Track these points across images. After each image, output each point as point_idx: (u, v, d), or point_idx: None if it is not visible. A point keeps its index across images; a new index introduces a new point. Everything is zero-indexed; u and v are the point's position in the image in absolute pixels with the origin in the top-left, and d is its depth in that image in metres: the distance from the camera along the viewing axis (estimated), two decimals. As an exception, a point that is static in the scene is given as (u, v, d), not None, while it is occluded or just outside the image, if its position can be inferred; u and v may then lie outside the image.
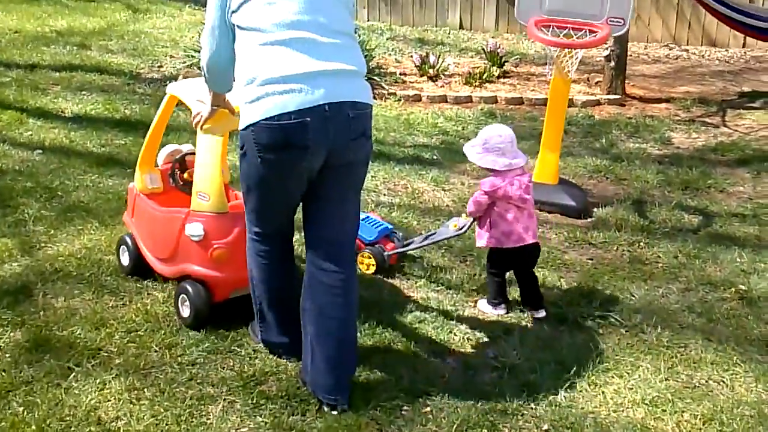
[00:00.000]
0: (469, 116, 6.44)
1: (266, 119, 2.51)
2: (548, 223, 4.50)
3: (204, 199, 3.09)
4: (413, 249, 3.82)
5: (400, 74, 7.33)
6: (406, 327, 3.30)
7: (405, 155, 5.52)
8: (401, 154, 5.53)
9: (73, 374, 2.83)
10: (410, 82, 7.21)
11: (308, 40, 2.57)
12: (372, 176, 5.01)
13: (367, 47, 7.25)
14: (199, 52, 6.07)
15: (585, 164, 5.46)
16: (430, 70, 7.27)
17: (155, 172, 3.56)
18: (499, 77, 7.37)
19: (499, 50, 7.54)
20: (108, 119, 5.83)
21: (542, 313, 3.45)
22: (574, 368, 3.05)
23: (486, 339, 3.26)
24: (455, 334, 3.27)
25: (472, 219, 3.51)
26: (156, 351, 3.00)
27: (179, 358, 2.96)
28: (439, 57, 7.46)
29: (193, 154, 3.34)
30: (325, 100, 2.52)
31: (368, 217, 3.95)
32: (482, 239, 3.46)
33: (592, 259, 4.08)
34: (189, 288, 3.11)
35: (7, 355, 2.92)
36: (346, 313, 2.75)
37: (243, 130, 2.63)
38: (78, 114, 5.88)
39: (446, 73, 7.36)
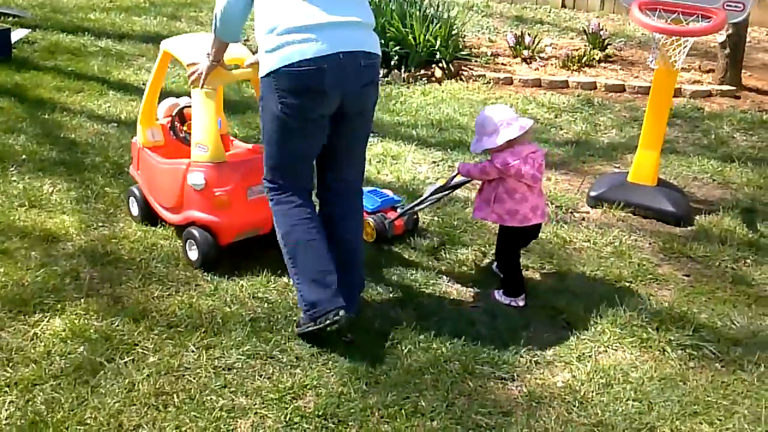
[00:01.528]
0: (564, 103, 5.96)
1: (286, 66, 2.69)
2: (642, 229, 4.03)
3: (203, 150, 3.26)
4: (408, 210, 3.67)
5: (492, 55, 6.89)
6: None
7: (488, 144, 5.13)
8: (484, 143, 5.14)
9: (103, 371, 2.66)
10: (502, 63, 6.76)
11: None
12: (449, 167, 4.67)
13: (457, 25, 6.84)
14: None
15: (689, 164, 4.91)
16: (525, 51, 6.80)
17: (156, 127, 3.71)
18: (600, 61, 6.82)
19: (602, 32, 6.97)
20: (187, 94, 5.71)
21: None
22: (656, 409, 2.64)
23: (549, 361, 2.90)
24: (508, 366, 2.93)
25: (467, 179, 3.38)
26: (193, 351, 2.81)
27: (216, 361, 2.76)
28: (535, 37, 6.97)
29: (191, 107, 3.45)
30: (341, 49, 2.72)
31: (375, 190, 3.89)
32: (482, 212, 3.25)
33: (689, 276, 3.61)
34: (195, 233, 3.29)
35: (42, 344, 2.79)
36: (354, 236, 3.05)
37: (264, 77, 2.79)
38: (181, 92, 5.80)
39: (542, 54, 6.87)
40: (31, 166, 4.30)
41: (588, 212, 4.23)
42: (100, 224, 3.72)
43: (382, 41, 6.33)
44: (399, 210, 3.73)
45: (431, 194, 3.59)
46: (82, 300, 3.07)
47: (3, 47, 6.17)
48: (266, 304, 3.13)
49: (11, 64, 6.05)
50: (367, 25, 2.87)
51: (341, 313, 2.76)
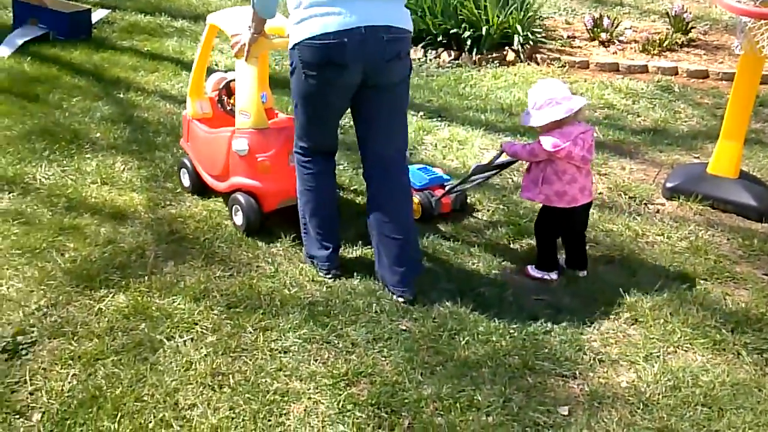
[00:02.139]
0: (642, 89, 5.71)
1: (309, 38, 2.79)
2: (720, 224, 3.83)
3: (246, 116, 3.37)
4: (454, 188, 3.63)
5: (569, 37, 6.67)
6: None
7: (560, 131, 4.97)
8: (556, 129, 4.99)
9: (162, 349, 2.70)
10: (578, 46, 6.53)
11: None
12: (518, 153, 4.54)
13: (533, 6, 6.65)
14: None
15: (776, 155, 4.64)
16: (603, 34, 6.55)
17: (205, 99, 3.86)
18: (682, 46, 6.51)
19: (686, 14, 6.65)
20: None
21: (584, 273, 3.31)
22: (727, 416, 2.51)
23: (614, 359, 2.78)
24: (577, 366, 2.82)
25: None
26: (251, 332, 2.82)
27: (272, 344, 2.76)
28: (614, 20, 6.70)
29: None
30: (362, 23, 2.77)
31: (425, 167, 3.88)
32: (530, 192, 3.21)
33: (768, 275, 3.41)
34: (241, 199, 3.42)
35: (106, 319, 2.85)
36: (403, 216, 3.06)
37: (291, 49, 2.91)
38: (230, 68, 5.85)
39: (621, 38, 6.60)
40: (105, 144, 4.41)
41: (663, 204, 4.04)
42: (168, 203, 3.78)
43: (453, 22, 6.26)
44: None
45: (475, 173, 3.51)
46: (146, 278, 3.12)
47: (84, 27, 6.36)
48: (325, 288, 3.11)
49: (91, 43, 6.22)
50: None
51: (331, 273, 3.14)
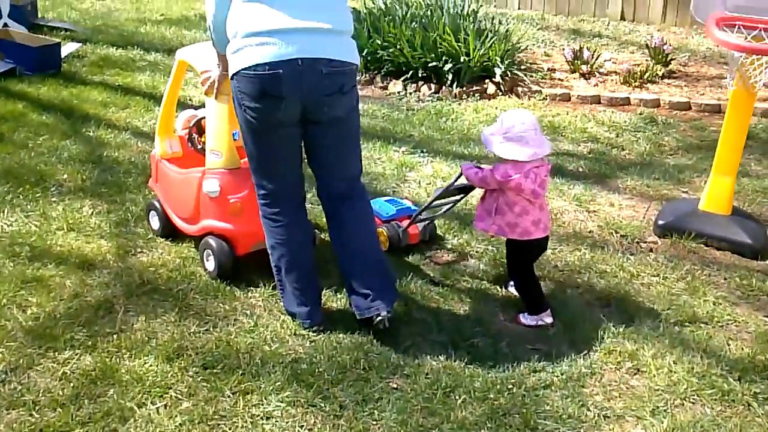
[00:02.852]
0: (625, 121, 5.63)
1: (245, 69, 2.69)
2: (716, 263, 3.70)
3: (217, 156, 3.26)
4: (417, 216, 3.54)
5: (548, 70, 6.60)
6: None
7: (545, 166, 4.85)
8: (541, 164, 4.86)
9: (134, 418, 2.47)
10: (559, 79, 6.46)
11: None
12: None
13: (512, 39, 6.58)
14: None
15: (765, 190, 4.55)
16: (583, 66, 6.49)
17: (174, 138, 3.72)
18: (663, 77, 6.46)
19: (665, 46, 6.62)
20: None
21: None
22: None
23: (619, 414, 2.61)
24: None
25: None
26: (229, 397, 2.60)
27: (253, 409, 2.55)
28: (594, 51, 6.65)
29: None
30: (299, 55, 2.66)
31: (393, 199, 3.84)
32: (483, 222, 3.12)
33: (770, 317, 3.28)
34: (212, 242, 3.28)
35: (71, 385, 2.62)
36: (366, 243, 2.97)
37: (231, 79, 2.82)
38: (203, 103, 5.67)
39: (601, 70, 6.54)
40: (72, 186, 4.19)
41: (656, 243, 3.91)
42: (138, 250, 3.56)
43: (433, 55, 6.15)
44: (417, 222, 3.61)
45: (437, 198, 3.42)
46: (115, 336, 2.90)
47: (53, 62, 6.16)
48: (308, 342, 2.92)
49: (60, 78, 6.02)
50: (338, 31, 2.79)
51: (314, 327, 2.96)
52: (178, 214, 3.50)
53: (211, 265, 3.30)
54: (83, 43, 6.98)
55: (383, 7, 6.85)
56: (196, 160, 3.54)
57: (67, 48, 6.69)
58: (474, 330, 3.06)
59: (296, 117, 2.78)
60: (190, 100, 5.68)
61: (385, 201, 3.76)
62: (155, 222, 3.68)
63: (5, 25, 6.84)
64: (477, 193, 3.40)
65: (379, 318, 2.84)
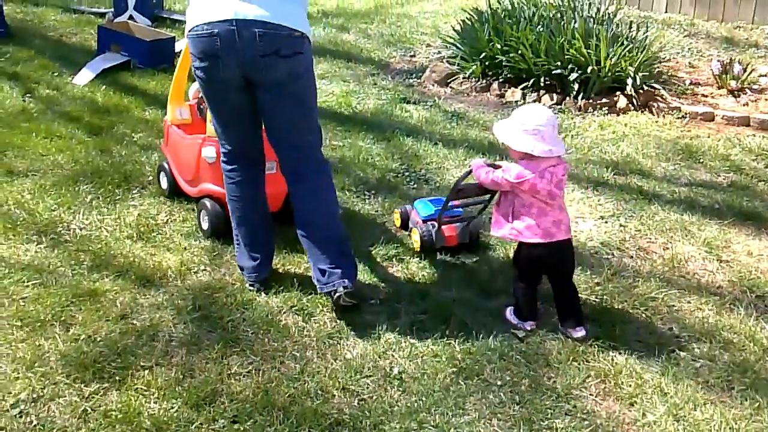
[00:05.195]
0: (779, 150, 4.82)
1: (190, 30, 2.87)
2: None
3: None
4: (441, 212, 3.32)
5: (691, 83, 5.82)
6: None
7: (675, 198, 4.19)
8: (670, 196, 4.20)
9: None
10: (703, 95, 5.67)
11: None
12: (621, 225, 3.83)
13: (653, 46, 5.85)
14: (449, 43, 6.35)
15: None
16: (732, 82, 5.66)
17: (184, 106, 3.95)
18: (831, 98, 5.52)
19: (838, 61, 5.66)
20: (337, 115, 5.29)
21: (581, 332, 2.89)
22: None
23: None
24: None
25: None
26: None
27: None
28: (747, 65, 5.79)
29: None
30: (234, 16, 2.76)
31: (440, 199, 3.52)
32: (500, 229, 2.93)
33: None
34: (207, 204, 3.52)
35: (89, 426, 2.35)
36: (317, 212, 3.02)
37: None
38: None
39: (754, 86, 5.68)
40: (154, 190, 4.04)
41: (801, 309, 3.22)
42: (202, 268, 3.32)
43: (559, 62, 5.57)
44: (458, 224, 3.44)
45: (457, 190, 3.16)
46: (148, 371, 2.65)
47: (166, 56, 6.12)
48: (356, 401, 2.54)
49: (171, 73, 5.95)
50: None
51: (255, 285, 3.11)
52: (182, 177, 3.78)
53: (205, 224, 3.55)
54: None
55: (509, 7, 6.32)
56: (203, 127, 3.72)
57: (182, 43, 6.65)
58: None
59: (238, 79, 2.87)
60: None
61: (429, 201, 3.62)
62: (164, 182, 3.95)
63: (131, 17, 6.93)
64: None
65: (337, 294, 2.86)
